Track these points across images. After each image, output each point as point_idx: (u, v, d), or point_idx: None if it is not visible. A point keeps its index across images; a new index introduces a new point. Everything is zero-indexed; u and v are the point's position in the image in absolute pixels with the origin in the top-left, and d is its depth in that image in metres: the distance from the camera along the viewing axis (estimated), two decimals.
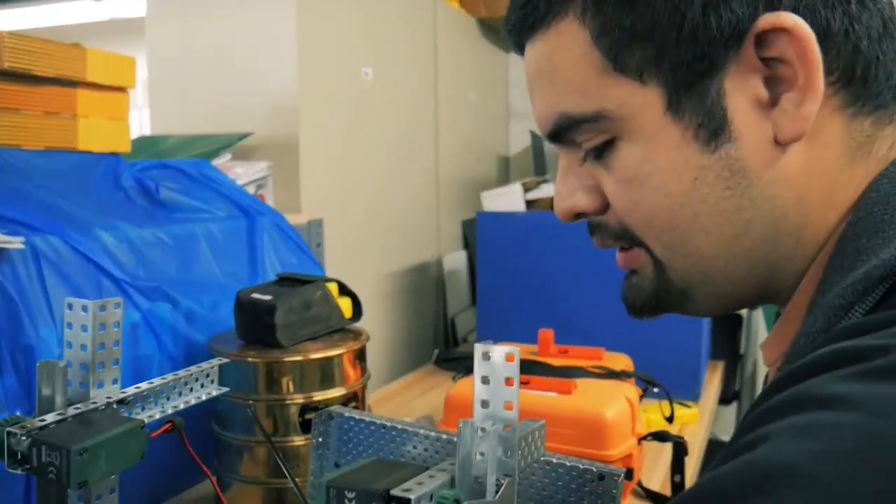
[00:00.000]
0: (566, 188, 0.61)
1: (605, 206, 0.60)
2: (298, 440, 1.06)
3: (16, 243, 0.97)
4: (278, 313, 1.06)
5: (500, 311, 1.84)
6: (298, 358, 1.05)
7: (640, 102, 0.55)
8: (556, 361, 1.34)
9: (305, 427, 1.04)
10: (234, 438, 1.09)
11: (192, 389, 0.68)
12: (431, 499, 0.45)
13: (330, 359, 1.07)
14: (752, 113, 0.53)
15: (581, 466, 0.82)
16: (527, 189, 1.94)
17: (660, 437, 1.15)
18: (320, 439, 0.91)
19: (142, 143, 1.71)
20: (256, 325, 1.08)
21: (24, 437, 0.52)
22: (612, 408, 1.15)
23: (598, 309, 1.76)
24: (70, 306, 0.60)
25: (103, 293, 1.12)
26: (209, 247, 1.31)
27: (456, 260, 2.45)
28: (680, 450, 1.12)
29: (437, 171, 2.37)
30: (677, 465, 1.13)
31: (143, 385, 0.63)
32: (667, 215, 0.56)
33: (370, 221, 1.98)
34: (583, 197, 0.61)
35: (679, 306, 0.60)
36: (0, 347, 0.95)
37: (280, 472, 1.07)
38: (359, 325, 1.22)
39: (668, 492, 1.19)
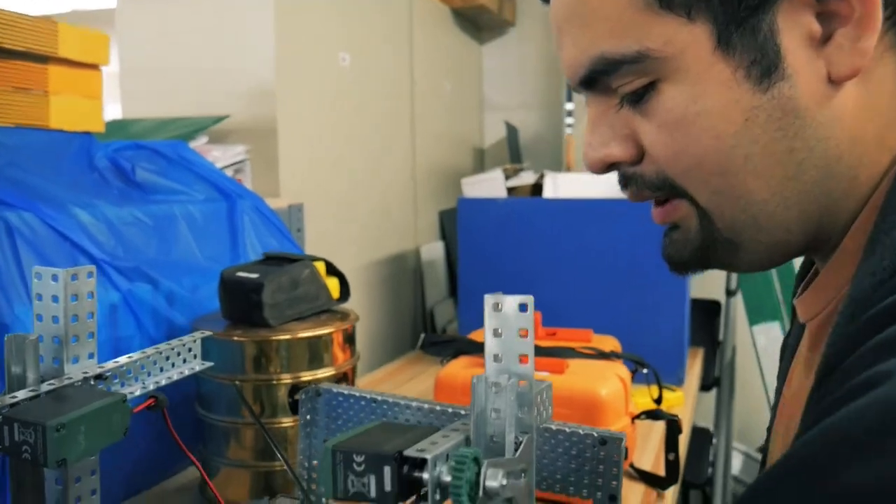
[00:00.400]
0: (598, 138, 0.58)
1: (641, 156, 0.57)
2: (287, 421, 1.02)
3: None
4: (266, 291, 1.02)
5: (482, 296, 1.82)
6: (287, 337, 1.02)
7: (687, 40, 0.52)
8: (546, 343, 1.32)
9: (294, 408, 1.01)
10: (220, 421, 1.05)
11: (173, 365, 0.65)
12: (447, 459, 0.42)
13: (319, 338, 1.04)
14: (805, 50, 0.51)
15: (581, 432, 0.80)
16: (507, 176, 1.92)
17: (654, 415, 1.14)
18: (308, 417, 0.88)
19: (112, 127, 1.65)
20: (243, 303, 1.05)
21: None
22: (605, 386, 1.14)
23: (582, 294, 1.75)
24: (38, 276, 0.55)
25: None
26: (189, 228, 1.27)
27: (433, 250, 2.43)
28: (674, 428, 1.11)
29: (414, 160, 2.35)
30: (671, 444, 1.12)
31: (122, 359, 0.59)
32: (716, 158, 0.53)
33: (348, 209, 1.94)
34: (617, 146, 0.58)
35: (726, 259, 0.57)
36: None
37: (268, 454, 1.04)
38: (346, 306, 1.19)
39: (660, 471, 1.17)
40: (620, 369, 1.28)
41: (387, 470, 0.41)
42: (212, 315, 1.14)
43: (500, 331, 0.47)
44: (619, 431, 0.79)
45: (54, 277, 0.55)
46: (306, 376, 1.02)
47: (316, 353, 1.04)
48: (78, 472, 0.55)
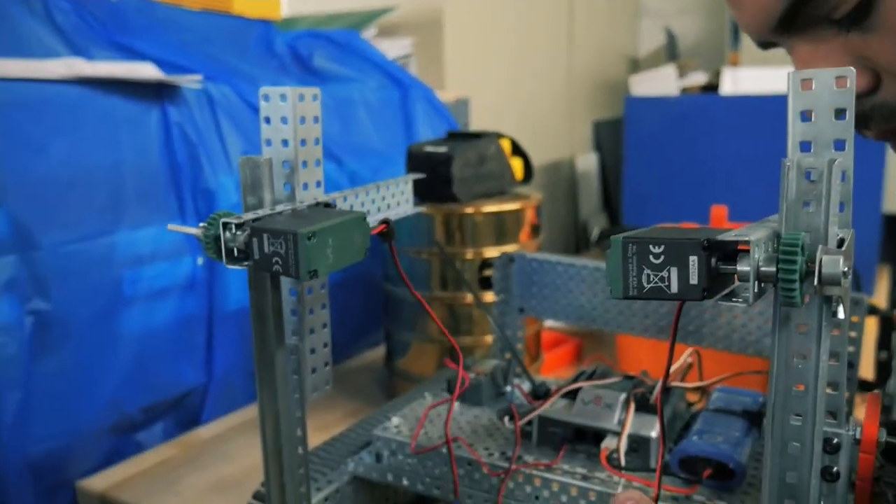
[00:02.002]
0: None
1: (878, 82, 0.50)
2: (471, 299, 1.00)
3: (193, 82, 0.93)
4: (455, 165, 0.99)
5: (648, 195, 1.74)
6: (474, 211, 0.99)
7: None
8: None
9: (483, 283, 0.99)
10: (407, 294, 1.05)
11: (389, 206, 0.62)
12: (765, 248, 0.36)
13: (507, 214, 1.01)
14: None
15: None
16: (680, 74, 1.80)
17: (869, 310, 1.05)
18: (502, 284, 0.86)
19: (281, 25, 1.66)
20: (431, 178, 1.02)
21: (240, 231, 0.46)
22: None
23: (761, 200, 1.63)
24: (266, 97, 0.53)
25: None
26: (366, 113, 1.26)
27: (588, 161, 2.35)
28: (888, 325, 1.01)
29: (570, 68, 2.26)
30: (884, 342, 1.02)
31: (346, 191, 0.57)
32: None
33: (506, 110, 1.89)
34: None
35: None
36: (182, 189, 0.92)
37: (455, 328, 1.03)
38: (526, 190, 1.15)
39: (869, 374, 1.08)
40: None
41: (693, 260, 0.35)
42: None
43: (810, 112, 0.38)
44: None
45: (282, 97, 0.53)
46: (492, 252, 0.99)
47: (503, 230, 1.01)
48: (310, 284, 0.55)
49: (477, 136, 1.08)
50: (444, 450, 0.62)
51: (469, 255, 0.99)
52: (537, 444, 0.63)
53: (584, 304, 0.80)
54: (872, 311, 1.03)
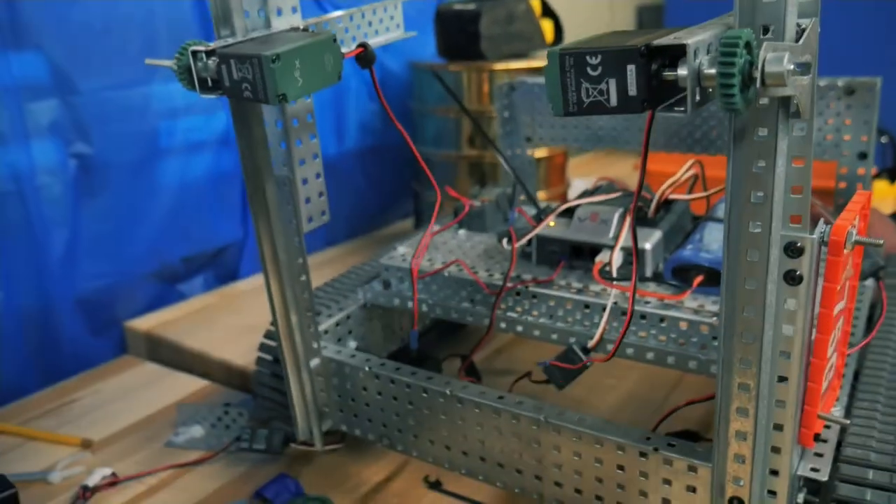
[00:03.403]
0: None
1: None
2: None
3: None
4: (483, 22, 0.98)
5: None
6: (502, 68, 0.98)
7: None
8: None
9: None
10: (437, 155, 1.06)
11: (377, 32, 0.61)
12: (710, 50, 0.34)
13: (535, 71, 1.00)
14: None
15: (822, 83, 0.70)
16: None
17: None
18: (506, 114, 0.85)
19: None
20: (458, 36, 1.02)
21: (210, 59, 0.46)
22: None
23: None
24: None
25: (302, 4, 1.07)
26: None
27: None
28: None
29: None
30: None
31: (326, 16, 0.55)
32: None
33: None
34: None
35: None
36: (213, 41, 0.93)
37: (483, 185, 1.04)
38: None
39: None
40: None
41: (631, 69, 0.33)
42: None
43: None
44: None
45: None
46: None
47: None
48: (294, 114, 0.56)
49: None
50: (447, 273, 0.65)
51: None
52: (537, 263, 0.65)
53: (590, 125, 0.80)
54: None
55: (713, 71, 0.33)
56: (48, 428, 0.74)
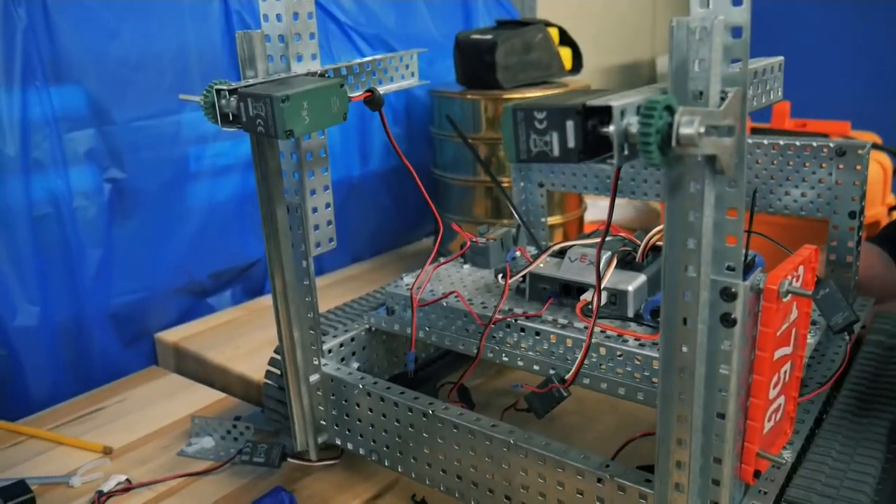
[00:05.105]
0: None
1: None
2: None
3: None
4: (499, 52, 1.03)
5: None
6: (519, 96, 1.03)
7: None
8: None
9: None
10: (453, 179, 1.11)
11: (391, 79, 0.67)
12: (639, 111, 0.38)
13: None
14: None
15: (815, 144, 0.74)
16: None
17: None
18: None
19: None
20: (476, 65, 1.07)
21: (232, 97, 0.53)
22: None
23: (841, 84, 1.58)
24: None
25: (329, 36, 1.15)
26: (425, 4, 1.29)
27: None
28: None
29: None
30: None
31: (341, 63, 0.62)
32: None
33: (585, 8, 1.85)
34: None
35: None
36: None
37: (496, 210, 1.09)
38: (579, 80, 1.17)
39: None
40: (881, 157, 1.17)
41: (569, 125, 0.38)
42: (447, 83, 1.18)
43: None
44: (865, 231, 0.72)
45: None
46: None
47: None
48: (309, 149, 0.62)
49: (524, 24, 1.10)
50: (444, 303, 0.70)
51: None
52: (529, 299, 0.70)
53: (599, 174, 0.84)
54: None
55: (635, 130, 0.38)
56: (75, 434, 0.80)
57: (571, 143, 0.39)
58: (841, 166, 0.73)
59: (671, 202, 0.43)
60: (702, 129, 0.37)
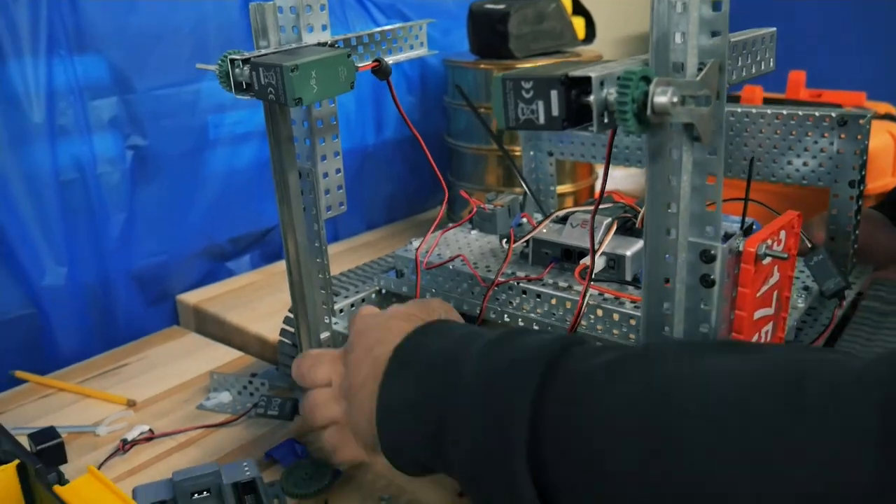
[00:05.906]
0: None
1: None
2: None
3: None
4: (511, 21, 1.05)
5: None
6: (531, 65, 1.05)
7: None
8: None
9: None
10: (465, 148, 1.14)
11: (401, 49, 0.69)
12: (618, 80, 0.40)
13: None
14: None
15: (817, 113, 0.76)
16: None
17: None
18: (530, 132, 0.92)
19: None
20: (489, 35, 1.09)
21: (245, 66, 0.56)
22: (872, 138, 1.05)
23: (860, 54, 1.57)
24: None
25: (345, 6, 1.17)
26: None
27: None
28: None
29: None
30: None
31: (351, 34, 0.64)
32: None
33: None
34: None
35: None
36: None
37: (507, 179, 1.11)
38: (592, 50, 1.18)
39: None
40: (893, 127, 1.17)
41: (554, 94, 0.41)
42: (461, 53, 1.20)
43: None
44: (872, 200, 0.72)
45: None
46: None
47: None
48: (320, 116, 0.65)
49: None
50: (451, 266, 0.73)
51: None
52: (532, 263, 0.73)
53: (606, 143, 0.86)
54: None
55: (613, 99, 0.40)
56: (101, 388, 0.84)
57: (556, 112, 0.42)
58: (842, 136, 0.75)
59: (653, 168, 0.45)
60: (675, 99, 0.39)
